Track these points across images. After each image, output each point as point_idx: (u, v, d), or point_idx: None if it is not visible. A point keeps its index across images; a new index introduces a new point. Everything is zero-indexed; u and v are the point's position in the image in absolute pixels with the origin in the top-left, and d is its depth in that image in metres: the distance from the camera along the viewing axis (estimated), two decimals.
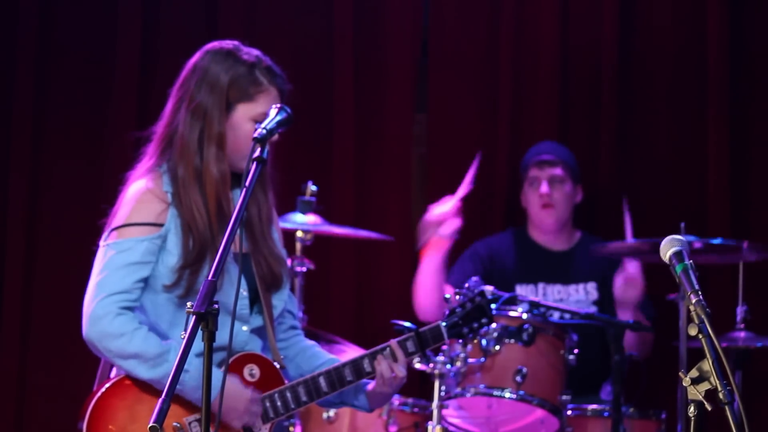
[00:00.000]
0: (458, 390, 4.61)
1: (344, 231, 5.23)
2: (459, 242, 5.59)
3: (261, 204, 3.62)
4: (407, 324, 3.75)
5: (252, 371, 3.55)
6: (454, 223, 5.14)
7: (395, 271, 5.84)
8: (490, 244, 5.49)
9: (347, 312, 5.82)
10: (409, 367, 4.58)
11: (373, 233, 5.26)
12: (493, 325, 4.61)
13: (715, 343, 2.57)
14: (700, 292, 2.63)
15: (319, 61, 5.96)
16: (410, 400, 4.90)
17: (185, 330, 2.70)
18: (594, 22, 5.86)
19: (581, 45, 5.90)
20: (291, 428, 4.90)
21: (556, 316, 4.84)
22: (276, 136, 3.35)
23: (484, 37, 5.95)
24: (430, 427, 4.58)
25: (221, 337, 2.89)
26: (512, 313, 4.67)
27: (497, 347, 4.62)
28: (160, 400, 2.58)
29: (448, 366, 4.58)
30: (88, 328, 3.47)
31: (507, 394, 4.59)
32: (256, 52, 3.61)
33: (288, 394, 3.56)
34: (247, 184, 3.03)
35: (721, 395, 2.53)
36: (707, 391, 2.57)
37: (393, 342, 3.68)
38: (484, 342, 4.62)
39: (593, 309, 5.32)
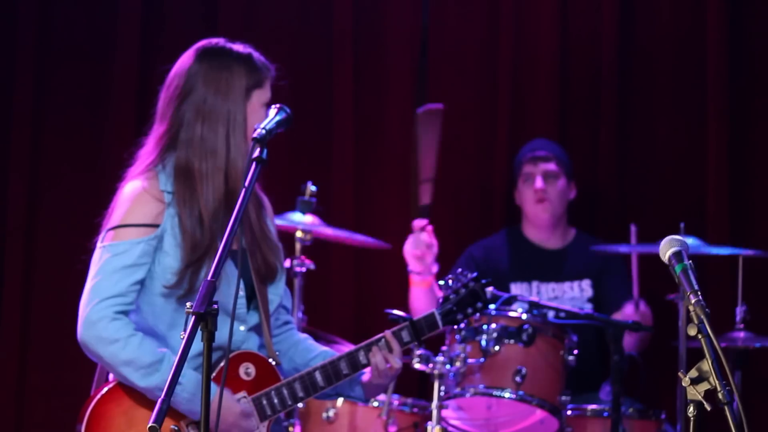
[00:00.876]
0: (458, 390, 4.61)
1: (341, 235, 5.22)
2: (458, 242, 5.61)
3: (256, 198, 3.65)
4: (401, 313, 3.77)
5: (248, 370, 3.55)
6: (431, 253, 5.14)
7: (395, 271, 5.84)
8: (484, 245, 5.49)
9: (347, 312, 5.82)
10: (409, 367, 4.59)
11: (370, 239, 5.24)
12: (494, 319, 4.61)
13: (714, 343, 2.57)
14: (699, 293, 2.64)
15: (319, 61, 5.96)
16: (410, 401, 4.90)
17: (185, 330, 2.70)
18: (593, 21, 5.86)
19: (581, 45, 5.90)
20: (290, 428, 4.90)
21: (555, 316, 4.83)
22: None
23: (484, 37, 5.95)
24: (429, 427, 4.58)
25: (219, 337, 2.89)
26: (512, 314, 4.67)
27: (497, 347, 4.62)
28: (160, 400, 2.58)
29: (448, 366, 4.58)
30: (82, 332, 3.47)
31: (506, 395, 4.59)
32: (241, 43, 3.66)
33: (284, 391, 3.56)
34: (246, 184, 3.03)
35: (720, 395, 2.54)
36: (707, 391, 2.57)
37: (387, 333, 3.68)
38: (483, 342, 4.62)
39: (588, 306, 5.32)
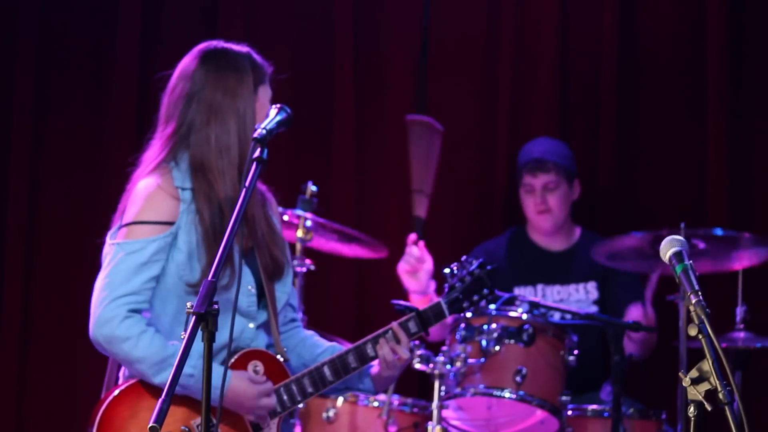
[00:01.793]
0: (458, 390, 4.61)
1: (337, 246, 5.23)
2: (458, 242, 5.60)
3: (260, 196, 3.66)
4: (407, 304, 3.76)
5: (256, 368, 3.56)
6: (424, 270, 5.11)
7: (395, 270, 5.84)
8: (488, 248, 5.47)
9: (347, 312, 5.82)
10: (409, 367, 4.59)
11: (369, 241, 5.24)
12: (494, 319, 4.61)
13: (714, 343, 2.57)
14: (699, 293, 2.64)
15: (319, 61, 5.96)
16: (410, 401, 4.90)
17: (185, 330, 2.70)
18: (594, 21, 5.86)
19: (581, 45, 5.90)
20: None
21: (556, 316, 4.84)
22: None
23: (484, 37, 5.95)
24: (429, 427, 4.58)
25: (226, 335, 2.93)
26: (512, 314, 4.66)
27: (497, 347, 4.62)
28: (160, 400, 2.58)
29: (448, 366, 4.58)
30: (95, 330, 3.48)
31: (507, 395, 4.59)
32: (238, 44, 3.70)
33: (293, 387, 3.59)
34: (246, 184, 3.03)
35: (720, 395, 2.54)
36: (707, 392, 2.57)
37: (394, 324, 3.69)
38: (484, 342, 4.62)
39: (594, 309, 5.31)
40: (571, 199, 5.46)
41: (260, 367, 3.57)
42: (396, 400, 4.85)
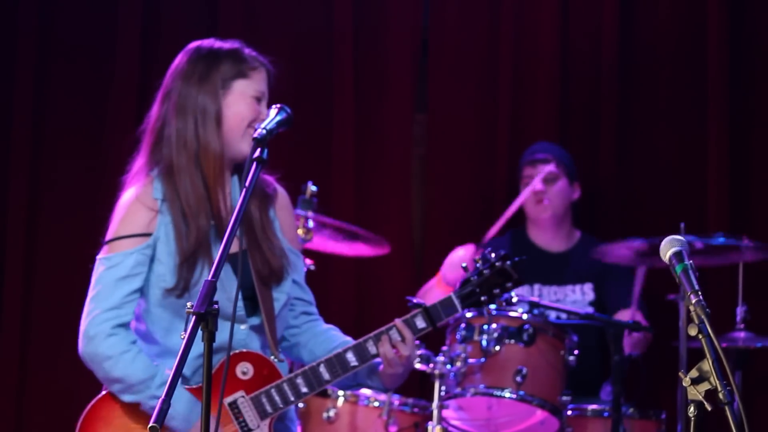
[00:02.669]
0: (458, 390, 4.61)
1: (338, 246, 5.24)
2: (459, 244, 5.60)
3: (261, 196, 3.62)
4: (420, 301, 3.66)
5: (244, 369, 3.53)
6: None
7: (395, 270, 5.84)
8: (496, 244, 5.48)
9: (347, 312, 5.81)
10: None
11: (370, 239, 5.24)
12: (494, 319, 4.61)
13: (714, 343, 2.57)
14: (699, 293, 2.63)
15: (319, 61, 5.96)
16: (410, 400, 4.90)
17: (185, 330, 2.70)
18: (594, 22, 5.86)
19: (581, 45, 5.90)
20: None
21: (555, 316, 4.83)
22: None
23: (484, 37, 5.95)
24: (430, 427, 4.58)
25: (217, 339, 2.89)
26: (512, 314, 4.67)
27: (497, 347, 4.62)
28: (160, 400, 2.58)
29: (448, 366, 4.58)
30: (81, 347, 3.53)
31: (507, 395, 4.59)
32: (233, 42, 3.65)
33: (286, 387, 3.53)
34: (247, 184, 3.02)
35: (720, 395, 2.53)
36: (707, 391, 2.57)
37: (398, 321, 3.62)
38: (484, 342, 4.63)
39: (590, 310, 5.31)
40: (571, 198, 5.46)
41: (249, 369, 3.54)
42: (396, 400, 4.85)
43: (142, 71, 5.88)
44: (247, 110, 3.53)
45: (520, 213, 5.55)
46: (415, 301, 3.66)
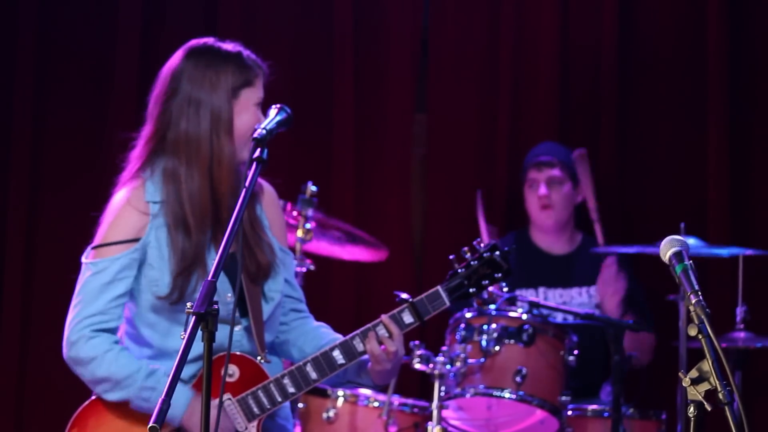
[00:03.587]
0: (458, 390, 4.61)
1: (337, 247, 5.23)
2: (459, 244, 5.59)
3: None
4: (406, 296, 3.59)
5: (230, 372, 3.50)
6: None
7: (395, 270, 5.84)
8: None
9: (347, 312, 5.81)
10: (409, 367, 4.59)
11: (369, 241, 5.24)
12: (494, 319, 4.61)
13: (714, 343, 2.56)
14: (699, 293, 2.63)
15: (319, 61, 5.96)
16: (410, 401, 4.90)
17: (185, 331, 2.70)
18: (594, 22, 5.86)
19: (581, 45, 5.90)
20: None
21: (556, 316, 4.83)
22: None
23: (484, 37, 5.95)
24: (429, 428, 4.58)
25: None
26: (512, 314, 4.66)
27: (497, 348, 4.62)
28: (160, 400, 2.58)
29: (448, 366, 4.58)
30: (65, 352, 3.55)
31: (507, 395, 4.59)
32: (232, 42, 3.60)
33: (272, 388, 3.50)
34: (247, 184, 3.02)
35: (720, 395, 2.53)
36: (707, 392, 2.57)
37: (384, 317, 3.56)
38: (483, 342, 4.62)
39: (591, 310, 5.31)
40: (575, 201, 5.46)
41: (234, 370, 3.52)
42: (396, 400, 4.85)
43: (142, 71, 5.88)
44: (252, 119, 3.49)
45: (517, 213, 5.55)
46: (402, 296, 3.59)
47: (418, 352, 4.55)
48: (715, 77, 5.68)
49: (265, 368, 3.54)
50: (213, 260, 3.45)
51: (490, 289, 3.88)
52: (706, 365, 2.57)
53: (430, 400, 4.62)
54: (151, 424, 2.55)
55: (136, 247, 3.49)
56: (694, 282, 2.67)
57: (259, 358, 3.53)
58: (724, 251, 4.92)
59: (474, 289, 3.61)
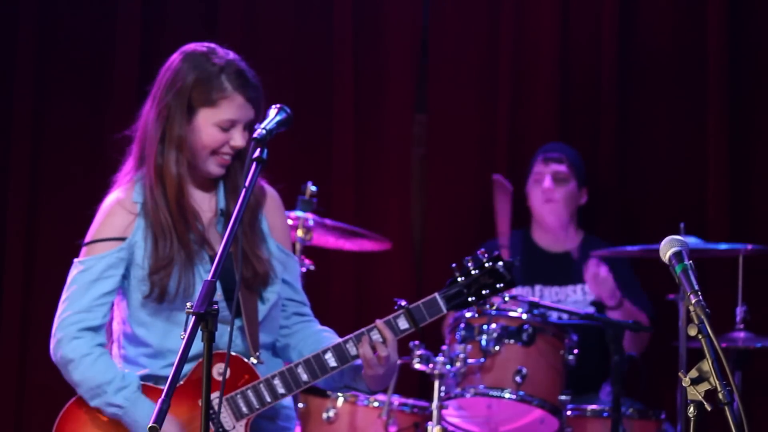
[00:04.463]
0: (458, 390, 4.61)
1: (340, 240, 5.22)
2: (458, 245, 5.60)
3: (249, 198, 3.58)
4: (404, 302, 3.55)
5: (220, 370, 3.49)
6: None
7: (395, 270, 5.84)
8: (492, 246, 5.48)
9: (347, 312, 5.81)
10: (409, 367, 4.59)
11: (370, 236, 5.24)
12: (494, 319, 4.61)
13: (714, 343, 2.57)
14: (699, 293, 2.63)
15: (319, 61, 5.96)
16: (410, 401, 4.90)
17: (185, 331, 2.70)
18: (594, 21, 5.86)
19: (581, 45, 5.90)
20: None
21: (555, 316, 4.84)
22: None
23: (484, 37, 5.95)
24: (429, 428, 4.58)
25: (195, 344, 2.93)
26: (512, 314, 4.66)
27: (497, 347, 4.62)
28: (160, 400, 2.58)
29: (448, 366, 4.58)
30: (50, 350, 3.59)
31: (507, 395, 4.59)
32: (231, 56, 3.54)
33: (262, 389, 3.48)
34: (246, 184, 3.02)
35: (720, 395, 2.53)
36: (707, 392, 2.57)
37: (379, 321, 3.53)
38: (483, 342, 4.62)
39: (591, 310, 5.32)
40: (578, 202, 5.46)
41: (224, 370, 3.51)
42: (396, 400, 4.85)
43: (142, 71, 5.88)
44: (208, 140, 3.48)
45: (520, 212, 5.55)
46: (401, 303, 3.56)
47: (418, 352, 4.54)
48: (715, 77, 5.68)
49: (260, 369, 3.53)
50: (196, 260, 3.49)
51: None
52: (706, 365, 2.57)
53: (430, 400, 4.62)
54: (150, 424, 2.55)
55: (122, 246, 3.52)
56: (694, 282, 2.67)
57: (251, 358, 3.52)
58: (722, 245, 4.92)
59: (473, 298, 3.56)
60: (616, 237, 5.51)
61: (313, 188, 5.03)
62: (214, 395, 3.42)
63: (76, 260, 3.57)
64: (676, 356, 4.77)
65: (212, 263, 3.44)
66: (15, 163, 5.96)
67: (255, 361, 3.52)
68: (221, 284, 3.48)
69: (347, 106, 5.92)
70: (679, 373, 2.57)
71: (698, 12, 5.75)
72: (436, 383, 4.56)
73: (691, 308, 2.61)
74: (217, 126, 3.48)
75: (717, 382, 2.54)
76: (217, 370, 3.48)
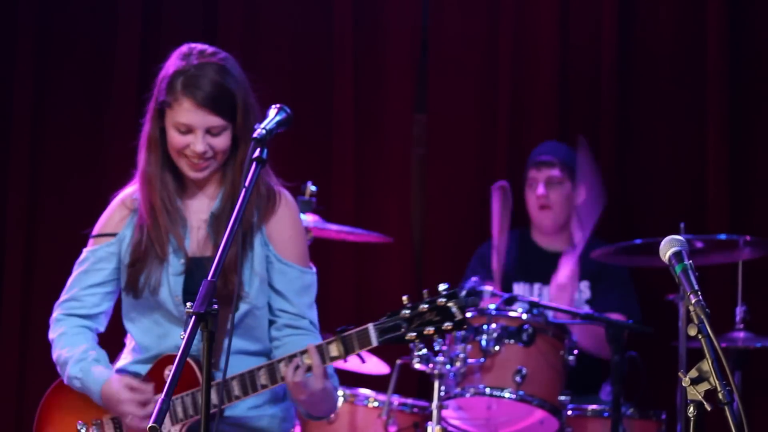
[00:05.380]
0: (458, 390, 4.61)
1: (342, 233, 5.21)
2: (458, 244, 5.60)
3: (252, 204, 3.53)
4: (350, 327, 3.40)
5: (167, 372, 3.50)
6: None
7: (395, 271, 5.84)
8: (487, 249, 5.49)
9: (347, 312, 5.81)
10: (409, 367, 4.59)
11: (371, 233, 5.25)
12: (494, 319, 4.61)
13: (714, 343, 2.56)
14: (699, 293, 2.63)
15: (319, 61, 5.96)
16: (410, 401, 4.90)
17: (185, 330, 2.70)
18: (593, 22, 5.86)
19: (581, 45, 5.90)
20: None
21: (555, 316, 4.83)
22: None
23: (484, 37, 5.95)
24: (429, 428, 4.58)
25: (167, 344, 3.09)
26: (512, 314, 4.67)
27: (497, 347, 4.62)
28: (160, 400, 2.58)
29: (448, 366, 4.58)
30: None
31: (506, 395, 4.59)
32: (211, 58, 3.50)
33: (198, 397, 3.46)
34: (246, 184, 3.02)
35: (720, 395, 2.53)
36: (707, 392, 2.56)
37: (310, 345, 3.42)
38: (483, 342, 4.62)
39: (586, 308, 5.32)
40: (575, 201, 5.46)
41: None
42: (396, 400, 4.85)
43: (142, 71, 5.88)
44: (171, 141, 3.50)
45: (520, 212, 5.55)
46: (342, 328, 3.41)
47: (418, 353, 4.54)
48: (715, 77, 5.68)
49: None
50: (168, 258, 3.52)
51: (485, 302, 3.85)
52: (706, 365, 2.57)
53: (430, 400, 4.61)
54: (151, 424, 2.55)
55: (112, 241, 3.60)
56: (694, 282, 2.67)
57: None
58: (722, 236, 4.92)
59: (414, 334, 3.35)
60: (616, 237, 5.51)
61: (313, 188, 5.02)
62: (157, 396, 3.45)
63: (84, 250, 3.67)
64: (676, 356, 4.77)
65: (186, 263, 3.47)
66: (15, 163, 5.96)
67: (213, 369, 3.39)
68: (186, 285, 3.50)
69: (347, 106, 5.92)
70: (679, 373, 2.57)
71: (698, 12, 5.75)
72: (436, 383, 4.56)
73: (691, 308, 2.61)
74: (174, 128, 3.49)
75: (717, 382, 2.54)
76: (167, 371, 3.49)
